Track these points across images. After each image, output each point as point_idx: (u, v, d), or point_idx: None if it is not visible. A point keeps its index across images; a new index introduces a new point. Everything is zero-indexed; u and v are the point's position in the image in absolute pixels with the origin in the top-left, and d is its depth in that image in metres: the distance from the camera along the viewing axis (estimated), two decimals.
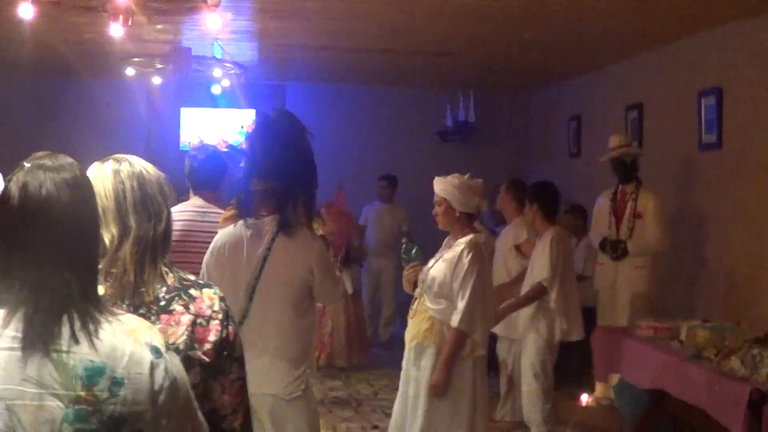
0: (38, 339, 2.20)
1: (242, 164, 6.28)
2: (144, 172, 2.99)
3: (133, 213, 2.93)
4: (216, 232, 5.74)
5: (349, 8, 9.01)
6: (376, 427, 9.07)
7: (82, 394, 2.19)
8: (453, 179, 6.37)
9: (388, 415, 8.17)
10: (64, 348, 2.21)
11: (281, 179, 5.07)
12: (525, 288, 8.18)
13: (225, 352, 2.90)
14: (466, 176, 6.43)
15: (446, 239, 6.50)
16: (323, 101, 14.91)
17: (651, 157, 10.13)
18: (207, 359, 2.84)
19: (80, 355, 2.21)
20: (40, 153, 2.42)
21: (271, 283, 4.91)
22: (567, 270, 8.07)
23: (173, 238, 5.68)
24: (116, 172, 2.96)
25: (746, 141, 8.91)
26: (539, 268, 7.97)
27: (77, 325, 2.24)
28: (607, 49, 11.08)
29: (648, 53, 10.94)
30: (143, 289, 2.85)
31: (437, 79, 14.02)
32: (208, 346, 2.85)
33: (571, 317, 8.03)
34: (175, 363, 2.40)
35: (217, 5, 6.02)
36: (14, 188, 2.32)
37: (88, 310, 2.29)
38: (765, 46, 8.67)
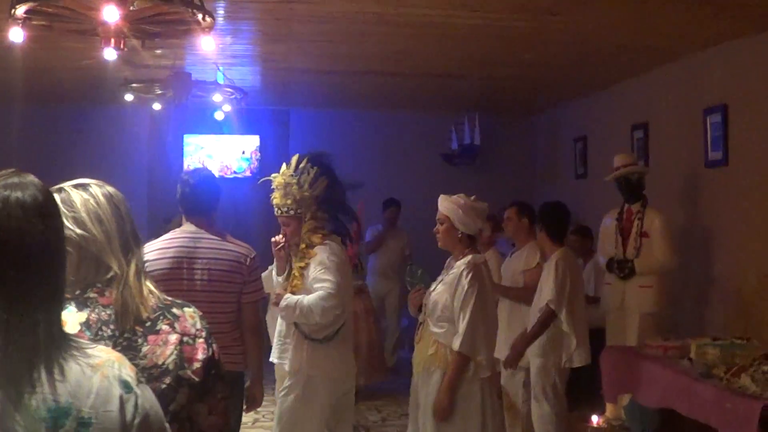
0: (4, 382, 2.03)
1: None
2: (116, 194, 2.92)
3: (132, 237, 2.86)
4: (208, 259, 5.66)
5: (349, 31, 8.95)
6: None
7: None
8: (458, 199, 6.28)
9: None
10: (27, 389, 2.04)
11: None
12: (533, 313, 8.07)
13: (212, 371, 2.81)
14: (472, 197, 6.34)
15: (448, 261, 6.41)
16: (327, 126, 14.87)
17: (657, 175, 10.04)
18: (196, 378, 2.75)
19: (43, 395, 2.05)
20: (6, 171, 2.23)
21: None
22: (574, 292, 7.96)
23: (165, 266, 5.64)
24: (108, 197, 2.87)
25: (753, 157, 8.81)
26: (546, 291, 7.87)
27: (42, 365, 2.08)
28: (611, 69, 11.01)
29: (652, 72, 10.87)
30: (142, 308, 2.76)
31: (441, 102, 13.96)
32: (197, 364, 2.76)
33: (579, 341, 7.92)
34: (147, 397, 2.24)
35: (211, 28, 5.92)
36: None
37: (55, 349, 2.12)
38: None
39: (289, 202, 6.52)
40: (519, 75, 11.54)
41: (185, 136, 14.42)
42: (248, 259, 5.81)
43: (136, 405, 2.17)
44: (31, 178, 2.24)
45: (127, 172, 13.45)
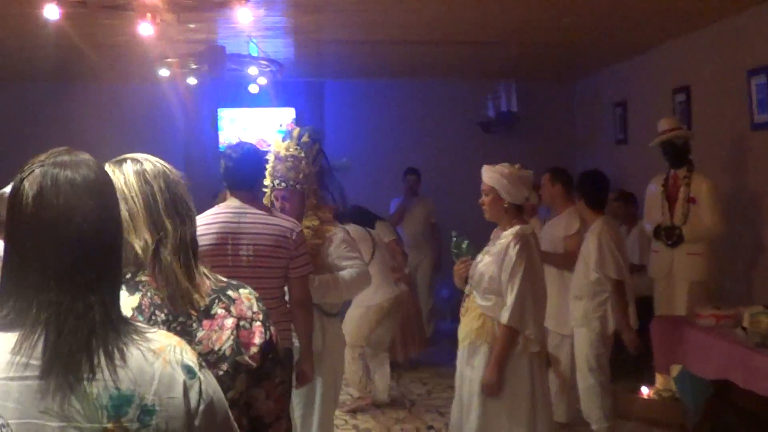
0: (61, 367, 1.92)
1: None
2: (167, 171, 2.76)
3: (167, 216, 2.69)
4: (254, 234, 5.54)
5: None
6: (431, 427, 8.87)
7: (109, 426, 1.94)
8: (502, 168, 6.12)
9: (443, 414, 7.98)
10: (86, 375, 1.94)
11: None
12: (576, 279, 7.95)
13: (270, 355, 2.70)
14: (516, 166, 6.18)
15: (494, 231, 6.26)
16: (362, 97, 14.79)
17: (701, 139, 9.82)
18: (254, 364, 2.64)
19: (104, 382, 1.95)
20: (58, 149, 2.13)
21: None
22: (617, 259, 7.81)
23: (210, 242, 5.52)
24: (139, 173, 2.72)
25: None
26: (592, 261, 7.75)
27: (101, 349, 1.97)
28: (650, 31, 10.79)
29: (693, 33, 10.64)
30: (196, 296, 2.62)
31: (478, 69, 13.76)
32: (254, 349, 2.66)
33: None
34: (210, 382, 2.14)
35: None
36: (28, 191, 2.04)
37: (112, 333, 2.01)
38: None
39: (295, 175, 6.39)
40: (557, 40, 11.33)
41: (219, 109, 14.31)
42: (294, 233, 5.66)
43: (200, 391, 2.08)
44: (84, 156, 2.13)
45: (164, 149, 13.21)
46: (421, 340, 11.15)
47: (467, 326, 6.13)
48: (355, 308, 9.51)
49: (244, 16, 6.19)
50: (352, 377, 9.56)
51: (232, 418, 2.21)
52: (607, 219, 8.08)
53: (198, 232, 5.47)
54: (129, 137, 12.88)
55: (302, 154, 6.42)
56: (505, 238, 5.99)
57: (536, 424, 6.00)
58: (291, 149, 6.38)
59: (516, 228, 6.00)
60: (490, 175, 6.14)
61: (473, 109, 14.72)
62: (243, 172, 5.77)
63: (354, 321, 9.48)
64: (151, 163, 2.75)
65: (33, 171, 2.06)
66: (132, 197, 2.67)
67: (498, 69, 13.60)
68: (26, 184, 2.05)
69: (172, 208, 2.70)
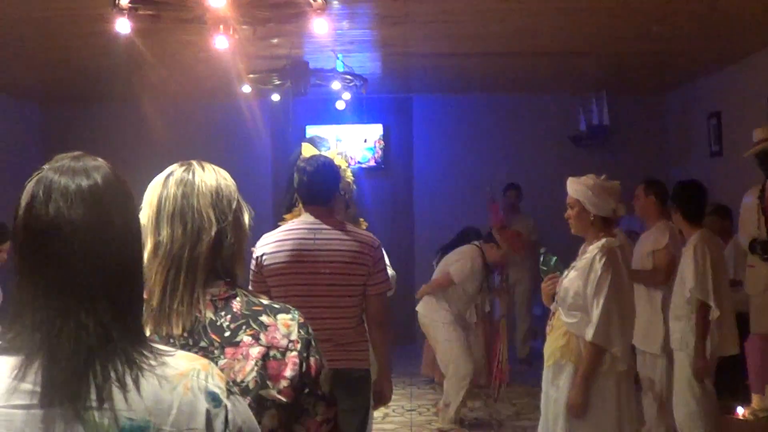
0: (60, 394, 1.74)
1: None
2: (200, 181, 2.58)
3: (167, 224, 2.53)
4: (330, 250, 5.39)
5: (469, 10, 8.71)
6: None
7: None
8: (587, 180, 5.94)
9: None
10: (95, 404, 1.75)
11: None
12: (675, 298, 7.67)
13: (306, 390, 2.48)
14: (602, 177, 5.99)
15: (582, 247, 6.05)
16: (451, 112, 14.73)
17: None
18: (284, 399, 2.42)
19: (115, 411, 1.76)
20: (67, 154, 1.95)
21: None
22: (717, 275, 7.50)
23: (283, 259, 5.38)
24: (168, 178, 2.59)
25: None
26: (689, 278, 7.44)
27: (108, 374, 1.78)
28: (745, 40, 10.52)
29: None
30: (172, 319, 2.44)
31: (567, 81, 13.55)
32: (284, 383, 2.44)
33: (727, 328, 7.50)
34: (240, 410, 1.93)
35: (323, 9, 5.70)
36: (22, 201, 1.88)
37: (122, 355, 1.82)
38: None
39: (345, 185, 6.36)
40: (648, 50, 11.11)
41: (307, 127, 14.25)
42: (372, 249, 5.49)
43: (226, 421, 1.87)
44: (93, 162, 1.95)
45: (251, 166, 13.40)
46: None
47: (552, 345, 5.96)
48: (456, 334, 9.39)
49: (321, 27, 6.08)
50: (458, 408, 9.41)
51: None
52: (705, 232, 7.76)
53: (271, 249, 5.40)
54: (215, 156, 12.90)
55: (346, 164, 6.35)
56: (591, 252, 5.80)
57: None
58: (336, 159, 6.28)
59: (603, 241, 5.81)
60: (575, 187, 5.96)
61: (564, 122, 14.50)
62: (318, 186, 5.60)
63: (463, 349, 9.37)
64: (194, 170, 2.62)
65: (32, 178, 1.91)
66: (149, 202, 2.57)
67: (588, 81, 13.37)
68: (23, 192, 1.90)
69: (178, 218, 2.54)
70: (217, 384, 1.91)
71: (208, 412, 1.85)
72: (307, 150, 6.43)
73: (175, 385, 1.84)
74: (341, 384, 4.33)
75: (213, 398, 1.87)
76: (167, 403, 1.81)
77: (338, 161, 6.35)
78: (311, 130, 14.18)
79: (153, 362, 1.85)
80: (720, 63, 12.16)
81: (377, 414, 7.39)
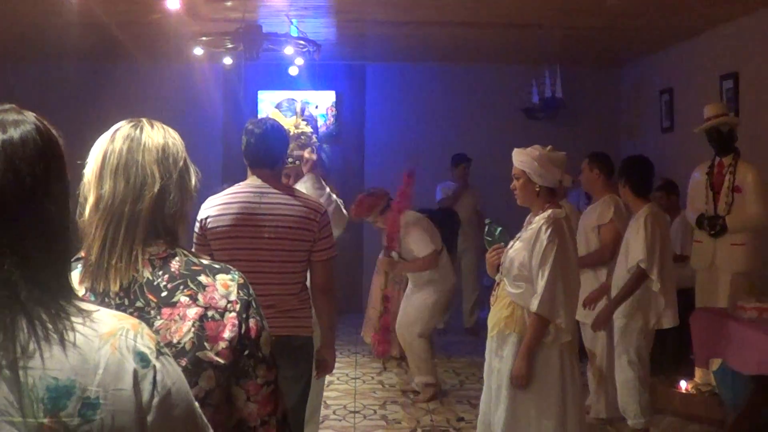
0: None
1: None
2: (147, 138, 2.54)
3: (110, 178, 2.47)
4: (275, 215, 5.32)
5: None
6: (461, 419, 8.67)
7: (46, 421, 1.67)
8: (533, 151, 5.88)
9: (474, 406, 7.80)
10: (20, 363, 1.68)
11: None
12: (619, 271, 7.72)
13: (246, 352, 2.45)
14: (548, 148, 5.94)
15: (527, 218, 6.03)
16: (404, 80, 14.69)
17: (749, 127, 9.60)
18: (222, 360, 2.39)
19: (39, 371, 1.69)
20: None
21: None
22: (663, 250, 7.58)
23: (228, 222, 5.32)
24: (115, 133, 2.54)
25: None
26: (635, 250, 7.49)
27: (32, 331, 1.71)
28: (698, 17, 10.55)
29: (742, 18, 10.39)
30: (110, 275, 2.39)
31: (521, 54, 13.53)
32: (222, 344, 2.40)
33: (668, 302, 7.57)
34: (170, 371, 1.86)
35: None
36: None
37: (46, 311, 1.74)
38: None
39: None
40: (603, 24, 11.10)
41: (259, 92, 14.16)
42: (319, 215, 5.42)
43: (154, 381, 1.80)
44: (10, 116, 1.85)
45: (202, 130, 13.31)
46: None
47: (496, 315, 5.93)
48: (428, 294, 9.36)
49: None
50: (425, 365, 9.41)
51: (200, 414, 1.94)
52: (653, 206, 7.83)
53: (216, 212, 5.33)
54: (165, 118, 12.78)
55: (310, 129, 6.26)
56: (537, 222, 5.77)
57: (566, 418, 5.78)
58: (301, 126, 6.20)
59: (548, 212, 5.77)
60: (520, 158, 5.91)
61: (517, 94, 14.49)
62: (265, 149, 5.50)
63: (429, 308, 9.36)
64: (142, 127, 2.57)
65: None
66: (95, 157, 2.52)
67: (542, 54, 13.35)
68: None
69: (121, 173, 2.49)
70: (146, 344, 1.84)
71: (135, 372, 1.78)
72: (276, 115, 6.41)
73: (102, 344, 1.77)
74: (283, 351, 4.30)
75: (141, 358, 1.81)
76: (93, 363, 1.74)
77: (304, 128, 6.30)
78: (263, 95, 14.13)
79: (79, 320, 1.79)
80: (674, 39, 12.19)
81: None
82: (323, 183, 6.48)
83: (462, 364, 10.73)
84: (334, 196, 6.55)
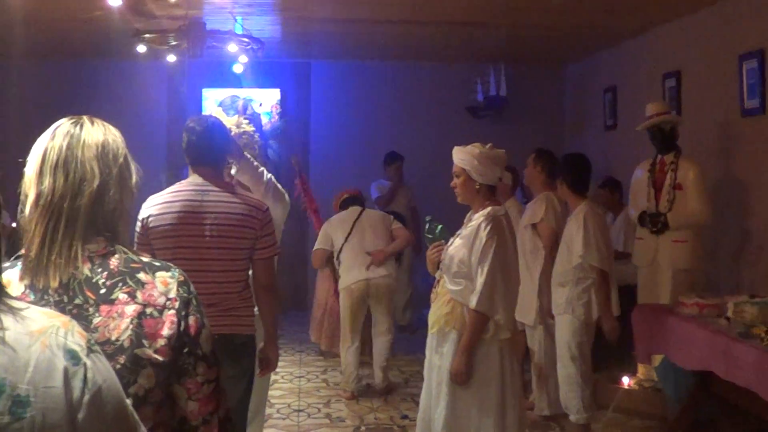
0: None
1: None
2: (87, 134, 2.53)
3: (50, 174, 2.45)
4: (217, 213, 5.31)
5: None
6: (405, 416, 8.70)
7: None
8: (473, 149, 5.90)
9: (418, 404, 7.80)
10: None
11: None
12: (560, 267, 7.75)
13: (185, 350, 2.44)
14: (488, 146, 5.96)
15: (468, 215, 6.04)
16: (349, 78, 14.68)
17: (690, 125, 9.68)
18: (161, 358, 2.37)
19: None
20: None
21: None
22: (603, 244, 7.63)
23: (170, 221, 5.29)
24: (56, 130, 2.52)
25: None
26: (578, 246, 7.53)
27: None
28: (642, 16, 10.62)
29: (685, 18, 10.46)
30: (50, 271, 2.37)
31: (466, 52, 13.56)
32: (161, 342, 2.38)
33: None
34: (101, 369, 1.86)
35: None
36: None
37: None
38: None
39: (250, 152, 6.30)
40: (547, 23, 11.14)
41: (203, 90, 14.09)
42: (260, 213, 5.41)
43: (85, 379, 1.80)
44: None
45: (146, 129, 13.26)
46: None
47: (436, 312, 5.94)
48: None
49: None
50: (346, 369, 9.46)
51: (131, 412, 1.95)
52: (590, 203, 7.88)
53: (157, 210, 5.30)
54: (109, 115, 12.69)
55: (252, 128, 6.24)
56: (476, 220, 5.78)
57: (506, 414, 5.79)
58: (243, 125, 6.18)
59: (488, 209, 5.79)
60: (460, 156, 5.93)
61: (461, 93, 14.52)
62: (207, 146, 5.48)
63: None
64: (82, 124, 2.56)
65: None
66: (36, 154, 2.50)
67: (487, 52, 13.41)
68: None
69: (61, 169, 2.47)
70: (76, 341, 1.85)
71: (66, 369, 1.78)
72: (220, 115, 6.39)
73: (33, 342, 1.77)
74: (225, 350, 4.30)
75: (72, 356, 1.81)
76: (24, 361, 1.74)
77: (246, 127, 6.28)
78: (208, 93, 14.06)
79: (10, 318, 1.79)
80: (618, 38, 12.27)
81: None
82: (256, 164, 6.43)
83: (406, 362, 10.75)
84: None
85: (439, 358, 5.87)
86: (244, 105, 6.46)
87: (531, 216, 8.45)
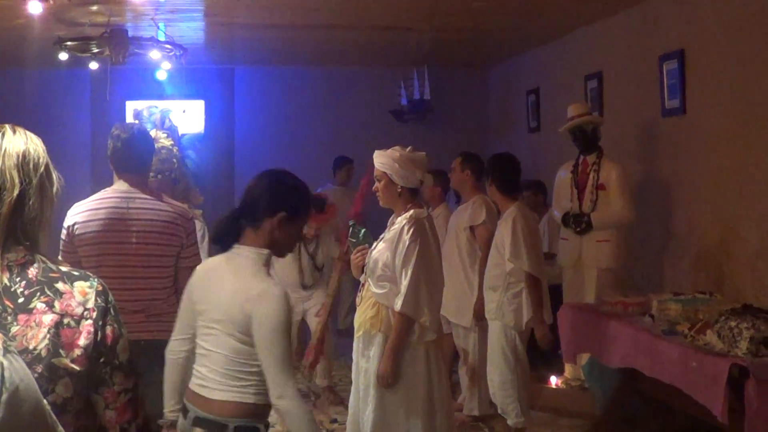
0: None
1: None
2: (8, 143, 2.51)
3: None
4: (143, 220, 5.30)
5: None
6: (335, 420, 8.68)
7: None
8: (393, 152, 5.96)
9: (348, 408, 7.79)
10: None
11: None
12: (492, 270, 7.76)
13: (102, 359, 2.44)
14: (408, 149, 6.00)
15: (390, 219, 6.07)
16: (273, 84, 14.66)
17: (612, 125, 9.78)
18: (77, 368, 2.37)
19: None
20: None
21: None
22: (532, 248, 7.62)
23: (95, 228, 5.26)
24: None
25: (711, 104, 8.48)
26: (508, 250, 7.53)
27: None
28: (563, 18, 10.68)
29: (606, 19, 10.55)
30: None
31: (389, 56, 13.59)
32: (78, 351, 2.38)
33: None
34: (17, 368, 1.88)
35: None
36: None
37: None
38: (728, 4, 8.26)
39: (170, 166, 6.30)
40: (469, 25, 11.17)
41: (127, 101, 13.90)
42: (186, 221, 5.42)
43: (2, 378, 1.84)
44: None
45: (70, 136, 13.15)
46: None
47: (362, 316, 5.97)
48: None
49: None
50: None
51: (49, 413, 1.96)
52: (521, 206, 7.85)
53: (83, 218, 5.26)
54: (32, 124, 12.52)
55: (171, 142, 6.22)
56: (399, 223, 5.82)
57: (434, 416, 5.83)
58: (162, 139, 6.17)
59: (410, 212, 5.82)
60: (381, 160, 5.99)
61: (386, 97, 14.56)
62: (132, 154, 5.50)
63: None
64: (3, 133, 2.53)
65: None
66: None
67: (410, 56, 13.42)
68: None
69: None
70: None
71: None
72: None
73: None
74: (153, 355, 4.28)
75: None
76: None
77: (164, 141, 6.25)
78: (131, 105, 13.91)
79: None
80: (540, 40, 12.34)
81: None
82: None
83: (335, 366, 10.72)
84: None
85: (366, 361, 5.90)
86: (161, 117, 6.41)
87: (470, 218, 8.45)
